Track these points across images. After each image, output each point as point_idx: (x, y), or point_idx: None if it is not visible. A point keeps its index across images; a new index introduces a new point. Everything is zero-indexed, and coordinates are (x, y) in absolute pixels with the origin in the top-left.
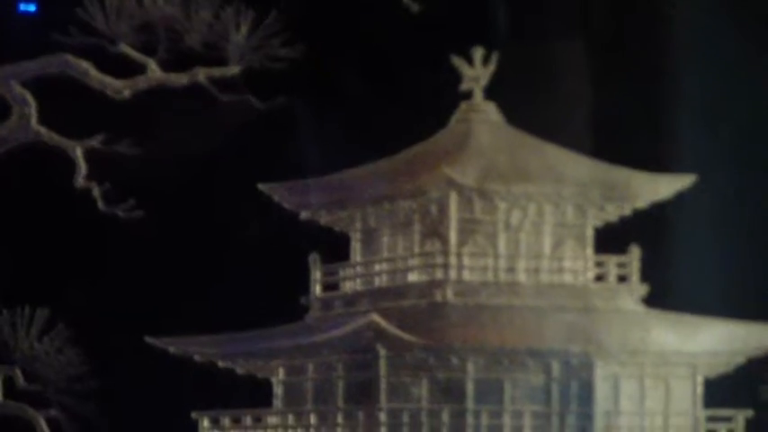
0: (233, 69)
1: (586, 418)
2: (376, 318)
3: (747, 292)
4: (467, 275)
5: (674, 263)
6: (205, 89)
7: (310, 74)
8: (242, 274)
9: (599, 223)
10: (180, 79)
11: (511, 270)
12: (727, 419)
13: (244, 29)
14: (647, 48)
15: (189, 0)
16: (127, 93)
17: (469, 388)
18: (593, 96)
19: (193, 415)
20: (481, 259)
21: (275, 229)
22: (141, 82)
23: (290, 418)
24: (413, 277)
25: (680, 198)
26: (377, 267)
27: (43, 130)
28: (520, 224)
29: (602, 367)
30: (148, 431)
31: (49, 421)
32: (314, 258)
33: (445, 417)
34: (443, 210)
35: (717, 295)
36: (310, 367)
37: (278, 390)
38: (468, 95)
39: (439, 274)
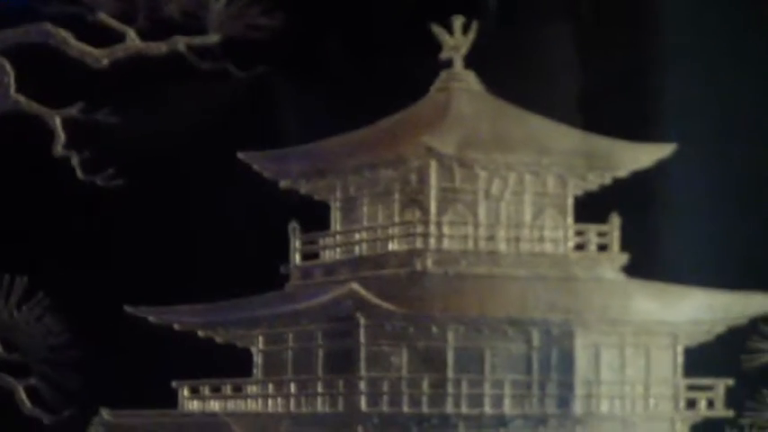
0: (212, 38)
1: (567, 386)
2: (355, 286)
3: (729, 260)
4: (447, 244)
5: (655, 232)
6: (185, 58)
7: (290, 42)
8: (222, 243)
9: (580, 192)
10: (159, 48)
11: (491, 239)
12: (708, 388)
13: None
14: (630, 16)
15: None
16: (105, 61)
17: (450, 357)
18: (575, 65)
19: (173, 384)
20: (461, 228)
21: (255, 197)
22: (120, 51)
23: (270, 388)
24: (393, 246)
25: (661, 167)
26: (357, 236)
27: (22, 98)
28: (500, 193)
29: (582, 336)
30: (129, 400)
31: (29, 390)
32: (293, 227)
33: (425, 386)
34: (423, 178)
35: (698, 264)
36: (290, 336)
37: (258, 359)
38: (448, 64)
39: (419, 243)
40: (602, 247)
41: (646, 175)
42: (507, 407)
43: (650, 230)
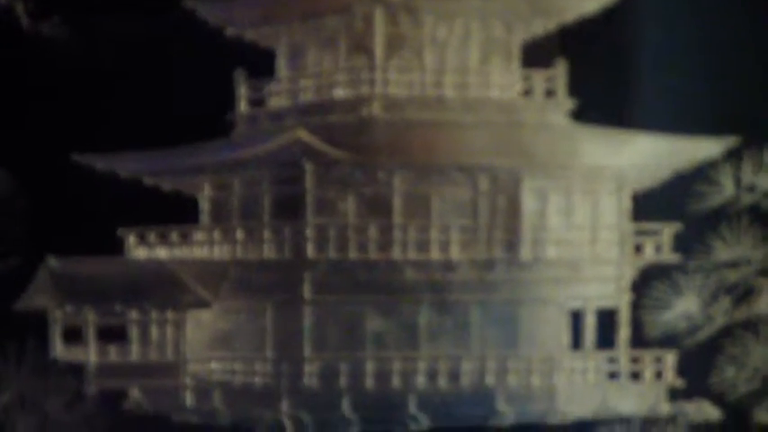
0: None
1: (514, 231)
2: (302, 133)
3: (675, 105)
4: (393, 90)
5: (603, 77)
6: None
7: None
8: (168, 91)
9: (525, 37)
10: None
11: (438, 85)
12: (655, 233)
13: None
14: None
15: None
16: None
17: (396, 203)
18: None
19: (119, 231)
20: (408, 74)
21: (201, 45)
22: None
23: (217, 234)
24: (339, 93)
25: (607, 12)
26: (303, 83)
27: None
28: (446, 39)
29: (529, 182)
30: (76, 248)
31: None
32: (240, 74)
33: (372, 232)
34: (369, 25)
35: (645, 110)
36: (237, 183)
37: (204, 206)
38: None
39: (365, 90)
40: (550, 93)
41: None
42: (454, 252)
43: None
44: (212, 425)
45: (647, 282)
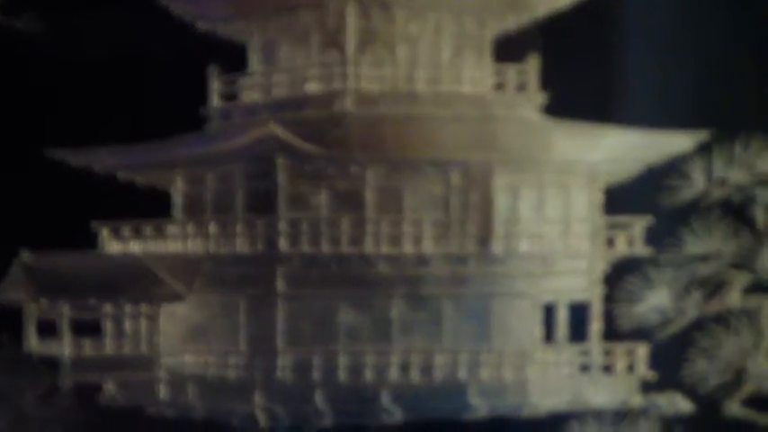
0: None
1: (486, 226)
2: (274, 127)
3: (648, 99)
4: (366, 85)
5: (574, 71)
6: None
7: None
8: (141, 86)
9: (498, 32)
10: None
11: (410, 79)
12: (627, 226)
13: None
14: None
15: None
16: None
17: (369, 197)
18: None
19: (93, 225)
20: (380, 69)
21: (174, 40)
22: None
23: (190, 228)
24: (312, 87)
25: (581, 7)
26: (276, 78)
27: None
28: (419, 34)
29: (501, 176)
30: (48, 242)
31: None
32: (212, 69)
33: (345, 226)
34: (342, 20)
35: (618, 103)
36: (210, 177)
37: (177, 200)
38: None
39: (338, 84)
40: (521, 87)
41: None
42: (427, 246)
43: (569, 70)
44: (187, 418)
45: (620, 275)
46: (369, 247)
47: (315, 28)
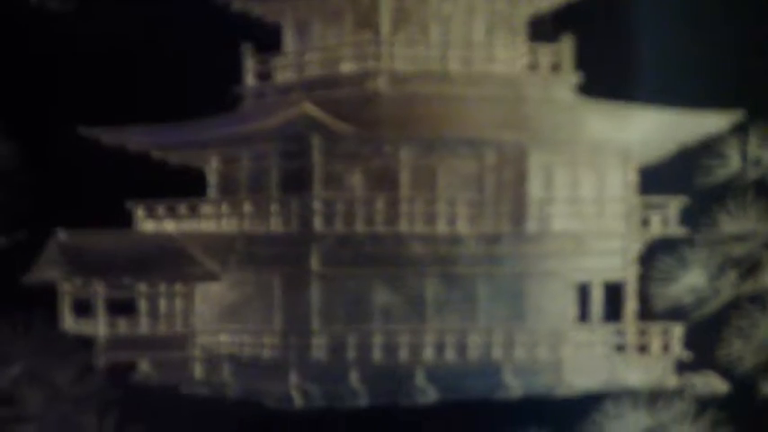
0: None
1: (519, 205)
2: (308, 106)
3: (682, 80)
4: (399, 65)
5: (609, 51)
6: None
7: None
8: (176, 66)
9: (532, 12)
10: None
11: (443, 59)
12: (661, 206)
13: None
14: None
15: None
16: None
17: (403, 177)
18: None
19: (128, 205)
20: (413, 48)
21: (209, 20)
22: None
23: (225, 208)
24: (345, 67)
25: None
26: (309, 57)
27: None
28: (451, 13)
29: (535, 155)
30: (84, 221)
31: None
32: (247, 48)
33: (379, 205)
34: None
35: (651, 84)
36: (244, 157)
37: (212, 179)
38: None
39: (371, 64)
40: (555, 68)
41: None
42: (461, 225)
43: (603, 51)
44: (221, 397)
45: (654, 255)
46: (403, 226)
47: (348, 7)
